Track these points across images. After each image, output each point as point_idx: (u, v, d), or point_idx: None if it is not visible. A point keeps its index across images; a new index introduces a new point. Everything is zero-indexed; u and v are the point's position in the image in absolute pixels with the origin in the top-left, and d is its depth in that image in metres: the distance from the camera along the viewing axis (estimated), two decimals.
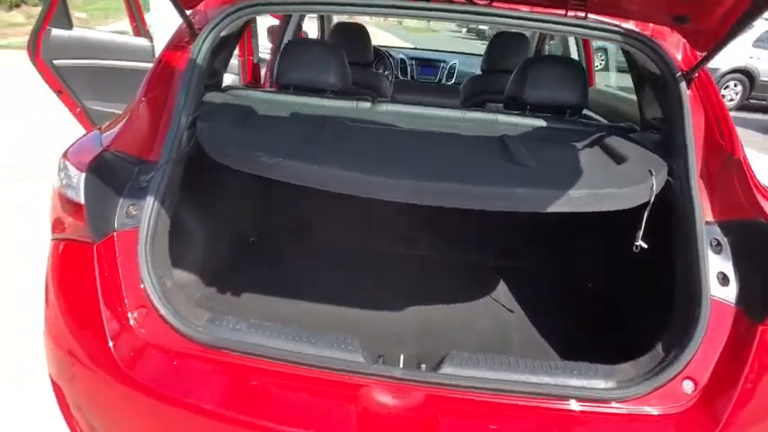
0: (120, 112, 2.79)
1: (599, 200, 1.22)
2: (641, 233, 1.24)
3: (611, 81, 4.46)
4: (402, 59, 3.91)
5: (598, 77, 3.47)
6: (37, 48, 2.51)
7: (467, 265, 1.95)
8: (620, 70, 4.01)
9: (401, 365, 1.22)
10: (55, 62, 2.54)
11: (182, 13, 1.46)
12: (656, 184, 1.24)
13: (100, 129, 1.49)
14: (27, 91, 6.26)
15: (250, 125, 1.50)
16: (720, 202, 1.27)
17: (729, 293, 1.18)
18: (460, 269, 1.92)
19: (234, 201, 1.88)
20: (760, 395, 1.08)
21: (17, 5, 14.83)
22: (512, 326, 1.63)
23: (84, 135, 1.50)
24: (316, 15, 3.69)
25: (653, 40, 1.41)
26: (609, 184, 1.25)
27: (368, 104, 1.72)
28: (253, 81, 2.90)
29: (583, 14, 1.46)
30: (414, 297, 1.71)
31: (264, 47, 3.53)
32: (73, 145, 1.43)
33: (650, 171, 1.27)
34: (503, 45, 2.73)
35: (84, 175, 1.27)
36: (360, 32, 2.76)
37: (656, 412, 1.10)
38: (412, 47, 4.50)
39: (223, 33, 1.51)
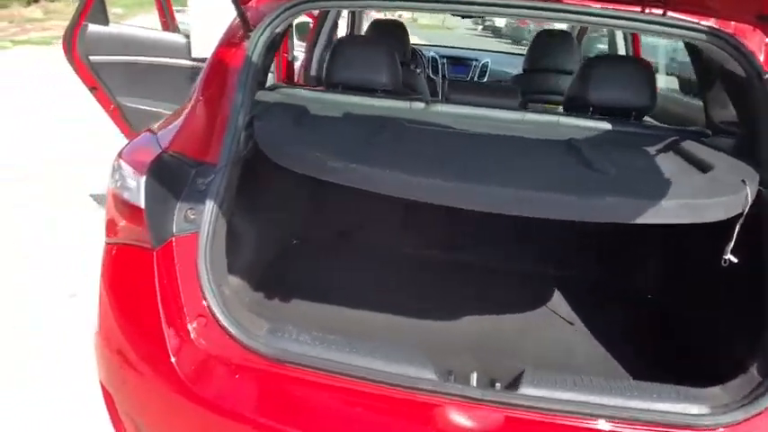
0: (155, 109, 2.79)
1: (692, 211, 1.14)
2: (731, 246, 1.16)
3: None
4: (433, 58, 3.84)
5: None
6: (73, 43, 2.47)
7: (515, 272, 1.88)
8: None
9: (474, 383, 1.16)
10: (91, 58, 2.51)
11: (237, 9, 1.40)
12: (750, 194, 1.16)
13: (151, 130, 1.43)
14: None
15: (308, 126, 1.45)
16: None
17: None
18: (510, 277, 1.85)
19: (277, 202, 1.83)
20: None
21: (35, 0, 14.94)
22: (572, 339, 1.56)
23: (138, 136, 1.45)
24: (347, 12, 3.62)
25: (737, 38, 1.34)
26: (700, 194, 1.17)
27: (422, 105, 1.66)
28: (287, 79, 2.84)
29: (660, 11, 1.38)
30: (463, 306, 1.64)
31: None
32: (127, 145, 1.38)
33: (743, 181, 1.19)
34: (547, 43, 2.66)
35: (144, 178, 1.21)
36: (399, 30, 2.69)
37: None
38: (438, 45, 4.42)
39: (278, 30, 1.46)
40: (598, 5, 1.42)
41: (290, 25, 1.84)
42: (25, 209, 3.47)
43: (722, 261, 1.18)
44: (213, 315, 1.18)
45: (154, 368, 1.16)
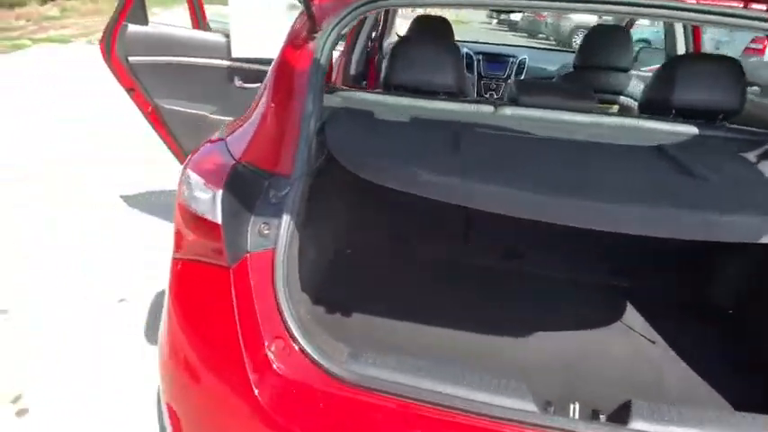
0: (193, 111, 2.72)
1: None
2: None
3: None
4: (467, 54, 3.73)
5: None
6: (112, 44, 2.40)
7: (585, 284, 1.79)
8: None
9: (576, 414, 1.08)
10: (130, 59, 2.44)
11: (307, 8, 1.32)
12: None
13: (222, 138, 1.36)
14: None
15: (382, 133, 1.37)
16: None
17: None
18: (580, 289, 1.76)
19: (337, 212, 1.75)
20: None
21: None
22: (658, 359, 1.47)
23: (205, 143, 1.37)
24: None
25: None
26: None
27: (490, 108, 1.57)
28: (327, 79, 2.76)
29: (741, 3, 1.26)
30: (535, 321, 1.56)
31: None
32: (195, 154, 1.31)
33: None
34: (601, 39, 2.54)
35: (221, 192, 1.14)
36: (444, 26, 2.60)
37: None
38: (473, 42, 4.30)
39: (345, 30, 1.38)
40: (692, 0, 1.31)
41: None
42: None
43: None
44: (292, 338, 1.11)
45: (233, 394, 1.09)
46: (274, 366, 1.10)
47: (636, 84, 2.48)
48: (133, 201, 3.73)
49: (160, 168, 4.02)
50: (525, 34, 17.73)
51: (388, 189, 1.24)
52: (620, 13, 1.26)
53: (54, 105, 5.70)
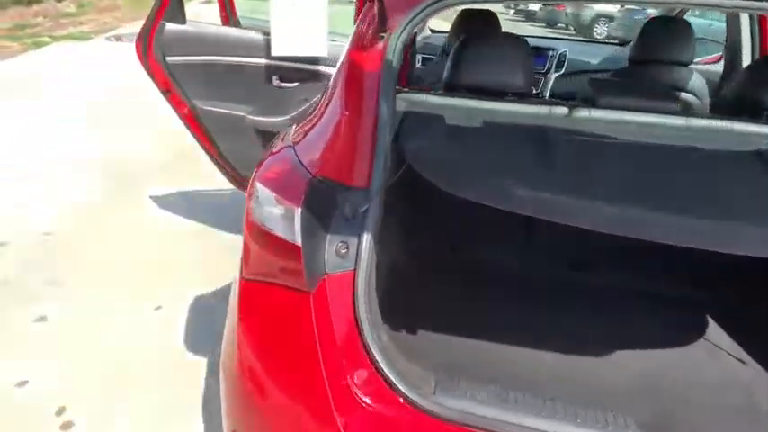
0: (230, 111, 2.63)
1: None
2: None
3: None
4: None
5: None
6: (149, 45, 2.32)
7: (661, 297, 1.68)
8: None
9: None
10: (167, 59, 2.36)
11: (380, 6, 1.23)
12: None
13: (289, 146, 1.26)
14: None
15: (459, 141, 1.27)
16: None
17: None
18: (654, 303, 1.65)
19: (405, 225, 1.66)
20: None
21: None
22: (749, 382, 1.36)
23: (271, 152, 1.28)
24: None
25: None
26: None
27: (564, 110, 1.46)
28: None
29: None
30: (612, 340, 1.46)
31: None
32: (263, 166, 1.22)
33: None
34: (661, 31, 2.40)
35: (300, 210, 1.05)
36: (492, 18, 2.48)
37: None
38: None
39: (416, 29, 1.28)
40: None
41: None
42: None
43: None
44: (376, 367, 1.03)
45: (315, 427, 1.01)
46: (358, 398, 1.01)
47: (697, 79, 2.34)
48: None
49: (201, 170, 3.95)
50: (544, 24, 17.42)
51: (446, 196, 1.16)
52: (679, 3, 1.15)
53: (54, 105, 5.65)
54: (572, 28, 15.87)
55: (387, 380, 1.01)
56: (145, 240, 3.20)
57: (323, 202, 1.09)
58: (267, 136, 2.65)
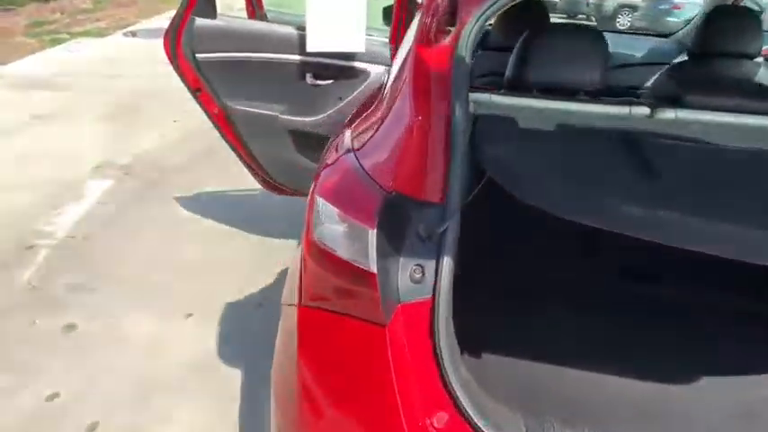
0: (262, 111, 2.51)
1: None
2: None
3: None
4: None
5: None
6: (177, 41, 2.21)
7: (739, 314, 1.53)
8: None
9: None
10: (197, 57, 2.24)
11: None
12: None
13: (351, 150, 1.12)
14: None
15: (539, 148, 1.13)
16: None
17: None
18: (738, 321, 1.50)
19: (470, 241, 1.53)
20: None
21: None
22: None
23: (333, 159, 1.15)
24: None
25: None
26: None
27: (645, 110, 1.32)
28: None
29: None
30: (697, 363, 1.32)
31: None
32: (324, 176, 1.09)
33: None
34: (727, 21, 2.22)
35: (374, 232, 0.92)
36: (538, 8, 2.33)
37: None
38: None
39: (489, 22, 1.14)
40: None
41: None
42: None
43: None
44: (459, 410, 0.90)
45: None
46: None
47: (765, 73, 2.16)
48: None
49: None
50: (564, 15, 17.03)
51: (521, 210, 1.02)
52: None
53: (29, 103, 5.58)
54: (593, 18, 15.50)
55: (472, 424, 0.89)
56: (173, 242, 3.11)
57: (397, 221, 0.95)
58: (301, 137, 2.53)
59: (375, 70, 2.44)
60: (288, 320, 1.08)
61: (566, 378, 1.26)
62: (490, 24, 2.90)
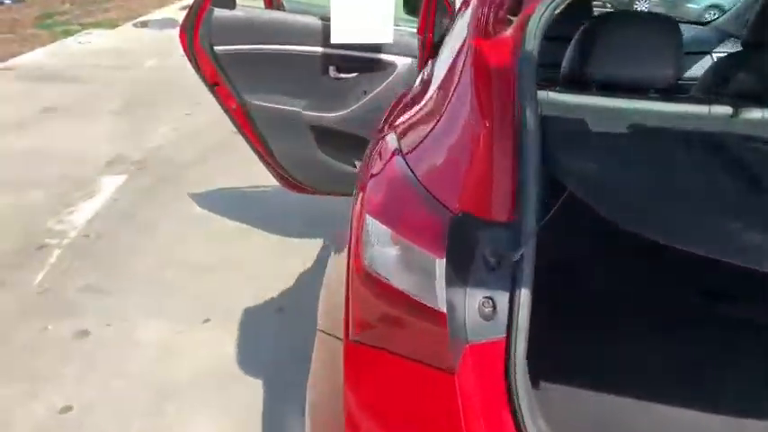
0: (283, 106, 2.38)
1: None
2: None
3: None
4: None
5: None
6: (195, 33, 2.08)
7: None
8: None
9: None
10: (216, 49, 2.11)
11: None
12: None
13: (399, 152, 0.98)
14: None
15: (624, 159, 0.99)
16: None
17: None
18: None
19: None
20: None
21: None
22: None
23: (381, 168, 1.01)
24: None
25: None
26: None
27: (728, 110, 1.17)
28: (425, 65, 2.38)
29: None
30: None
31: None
32: (368, 186, 0.95)
33: None
34: None
35: (442, 262, 0.79)
36: None
37: None
38: None
39: (559, 9, 1.00)
40: None
41: None
42: None
43: None
44: None
45: None
46: None
47: None
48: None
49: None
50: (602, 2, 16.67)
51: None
52: None
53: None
54: (609, 5, 15.14)
55: None
56: (187, 242, 3.01)
57: (460, 246, 0.82)
58: (322, 133, 2.40)
59: (402, 62, 2.30)
60: (329, 352, 0.95)
61: (651, 413, 1.12)
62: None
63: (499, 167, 0.86)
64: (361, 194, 0.95)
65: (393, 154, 1.01)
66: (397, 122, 1.16)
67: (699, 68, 2.41)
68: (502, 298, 0.80)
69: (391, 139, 1.06)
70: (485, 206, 0.85)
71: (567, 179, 0.89)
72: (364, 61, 2.27)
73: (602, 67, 1.21)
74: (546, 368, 1.08)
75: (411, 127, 1.07)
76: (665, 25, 1.27)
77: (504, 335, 0.79)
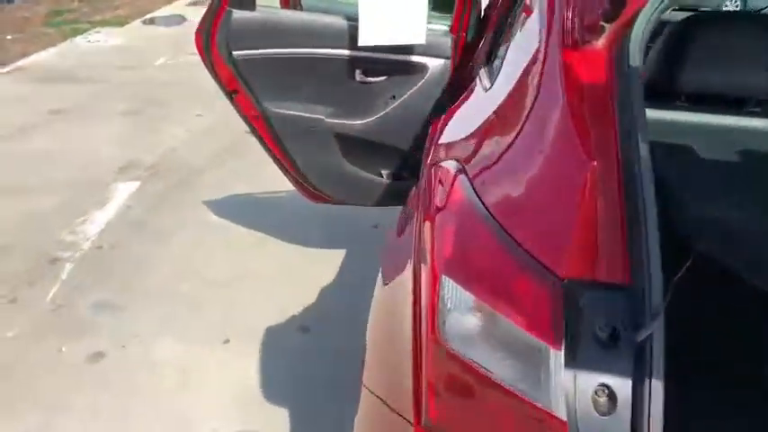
0: (307, 114, 2.23)
1: None
2: None
3: None
4: None
5: None
6: (212, 37, 1.93)
7: None
8: None
9: None
10: (234, 54, 1.96)
11: None
12: None
13: (474, 190, 0.79)
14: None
15: (739, 198, 0.82)
16: None
17: None
18: None
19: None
20: None
21: None
22: None
23: (453, 211, 0.83)
24: None
25: None
26: None
27: None
28: (459, 68, 2.22)
29: None
30: None
31: None
32: (435, 233, 0.78)
33: None
34: None
35: (559, 354, 0.63)
36: None
37: None
38: None
39: (666, 13, 0.83)
40: None
41: None
42: None
43: None
44: None
45: None
46: None
47: None
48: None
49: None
50: None
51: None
52: None
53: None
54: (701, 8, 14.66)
55: None
56: (204, 252, 2.88)
57: (568, 319, 0.65)
58: (348, 141, 2.25)
59: (434, 63, 2.14)
60: (387, 425, 0.80)
61: None
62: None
63: (607, 215, 0.70)
64: (430, 243, 0.78)
65: (464, 192, 0.82)
66: (455, 147, 1.00)
67: None
68: (622, 385, 0.62)
69: (458, 172, 0.89)
70: (590, 264, 0.69)
71: (699, 228, 0.72)
72: (392, 63, 2.11)
73: (692, 75, 1.03)
74: None
75: (479, 156, 0.89)
76: (765, 26, 1.09)
77: None
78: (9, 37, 7.39)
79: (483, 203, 0.78)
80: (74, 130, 4.46)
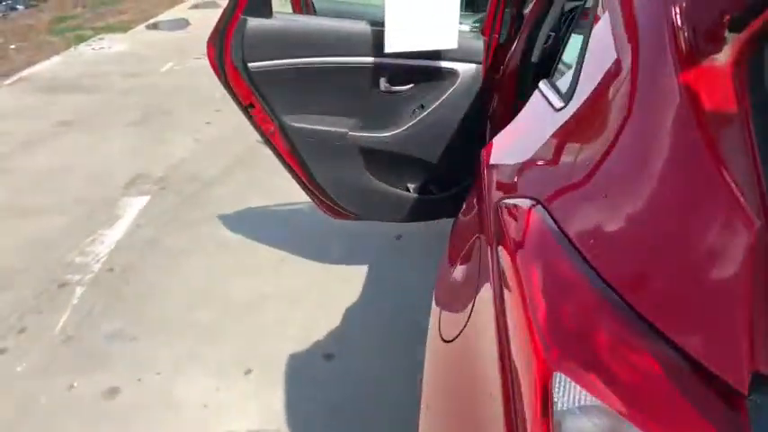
0: (329, 128, 2.07)
1: None
2: None
3: None
4: None
5: None
6: (225, 47, 1.77)
7: None
8: None
9: None
10: (249, 66, 1.81)
11: None
12: None
13: (594, 268, 0.63)
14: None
15: None
16: None
17: None
18: None
19: None
20: None
21: None
22: None
23: (557, 281, 0.67)
24: None
25: None
26: None
27: None
28: (491, 70, 2.05)
29: None
30: None
31: None
32: (543, 313, 0.62)
33: None
34: None
35: None
36: None
37: None
38: None
39: None
40: None
41: None
42: None
43: None
44: None
45: None
46: None
47: None
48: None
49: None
50: None
51: None
52: None
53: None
54: None
55: None
56: (219, 273, 2.74)
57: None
58: (373, 155, 2.10)
59: (464, 69, 1.97)
60: None
61: None
62: None
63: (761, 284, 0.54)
64: (526, 321, 0.61)
65: (563, 252, 0.66)
66: (527, 179, 0.83)
67: None
68: None
69: (546, 219, 0.72)
70: (741, 352, 0.53)
71: None
72: (420, 70, 1.95)
73: None
74: None
75: (571, 198, 0.72)
76: None
77: None
78: (13, 46, 7.29)
79: (605, 282, 0.59)
80: (80, 143, 4.33)
